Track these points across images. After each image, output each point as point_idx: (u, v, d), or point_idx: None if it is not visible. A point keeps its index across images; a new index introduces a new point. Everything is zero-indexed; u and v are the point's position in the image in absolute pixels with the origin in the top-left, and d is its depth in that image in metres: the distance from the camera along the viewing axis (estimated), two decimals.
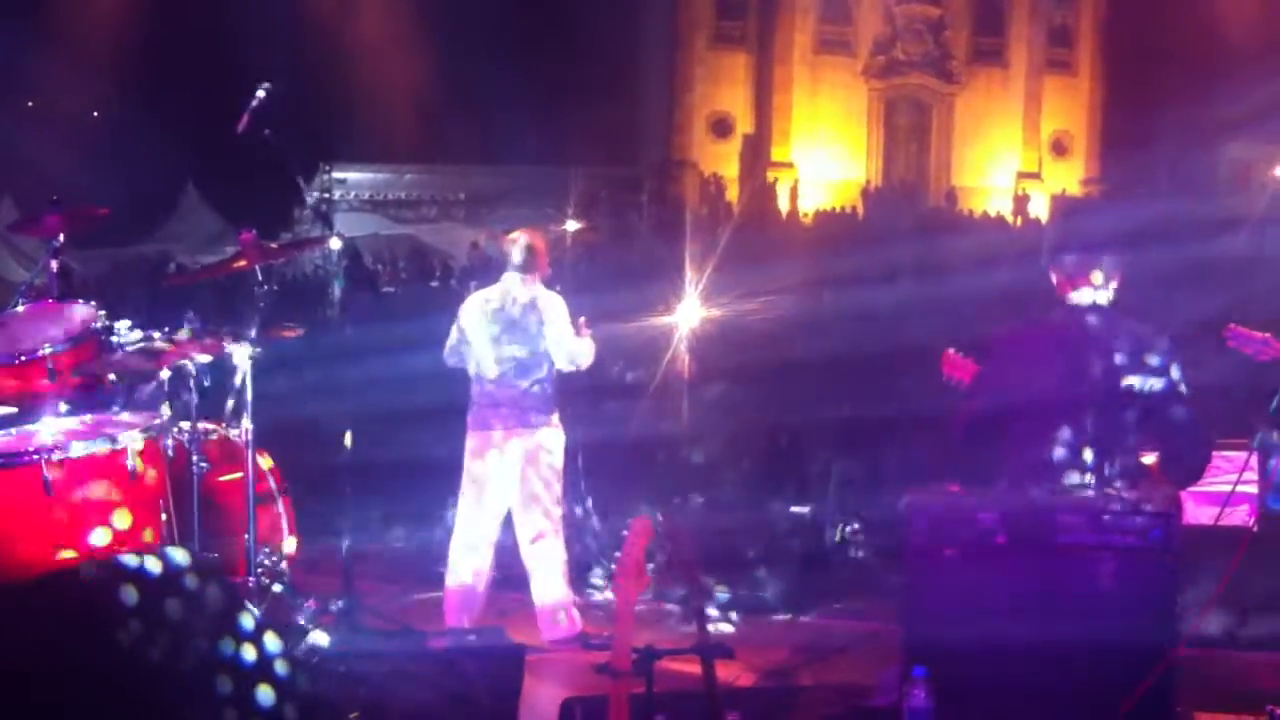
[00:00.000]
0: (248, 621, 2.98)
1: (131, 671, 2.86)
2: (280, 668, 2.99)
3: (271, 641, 3.00)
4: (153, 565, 3.28)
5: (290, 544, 5.81)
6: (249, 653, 2.97)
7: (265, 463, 5.75)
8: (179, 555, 3.68)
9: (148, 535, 4.77)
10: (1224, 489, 6.55)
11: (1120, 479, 4.87)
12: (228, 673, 2.91)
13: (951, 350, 5.51)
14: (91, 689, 2.81)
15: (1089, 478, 4.88)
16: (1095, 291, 5.11)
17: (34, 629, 2.88)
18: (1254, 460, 6.78)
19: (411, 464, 8.20)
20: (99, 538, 4.64)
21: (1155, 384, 4.90)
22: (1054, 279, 5.21)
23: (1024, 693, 4.46)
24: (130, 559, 3.49)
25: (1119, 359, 4.95)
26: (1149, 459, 4.98)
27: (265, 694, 2.96)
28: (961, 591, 4.58)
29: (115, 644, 2.85)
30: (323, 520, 6.10)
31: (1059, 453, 4.93)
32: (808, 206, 34.45)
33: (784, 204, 34.66)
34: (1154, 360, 4.92)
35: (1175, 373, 4.93)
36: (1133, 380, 4.91)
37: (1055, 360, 5.02)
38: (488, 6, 28.45)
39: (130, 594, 2.96)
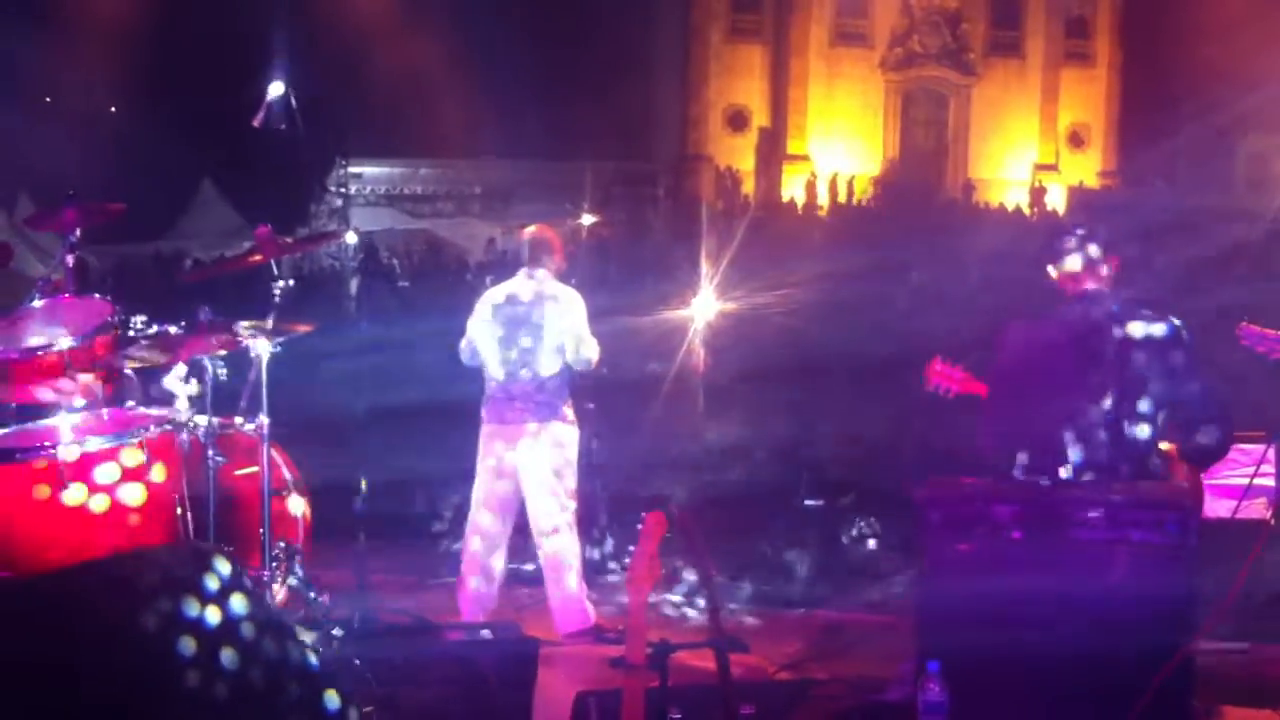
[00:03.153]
0: (213, 583, 2.95)
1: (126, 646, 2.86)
2: (246, 630, 2.97)
3: (238, 603, 2.97)
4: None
5: (304, 538, 5.82)
6: (213, 614, 2.94)
7: (280, 457, 5.75)
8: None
9: (162, 528, 4.79)
10: (1242, 482, 6.52)
11: (1136, 471, 4.84)
12: (191, 633, 2.89)
13: (938, 360, 5.50)
14: (101, 676, 2.81)
15: (1102, 471, 4.85)
16: (1096, 280, 5.07)
17: (49, 623, 2.88)
18: (1272, 453, 6.74)
19: (427, 457, 8.21)
20: (113, 533, 4.66)
21: (1166, 384, 4.86)
22: (1052, 274, 5.18)
23: (1039, 687, 4.44)
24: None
25: (1133, 358, 4.92)
26: (1166, 445, 4.96)
27: (229, 656, 2.93)
28: (976, 585, 4.56)
29: (139, 637, 2.85)
30: (337, 514, 6.11)
31: (1071, 446, 4.91)
32: (823, 199, 34.40)
33: (800, 197, 34.60)
34: (1163, 362, 4.88)
35: (1190, 373, 4.88)
36: (1145, 372, 4.88)
37: (1065, 352, 4.99)
38: (503, 2, 28.47)
39: (165, 603, 2.94)
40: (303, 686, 3.02)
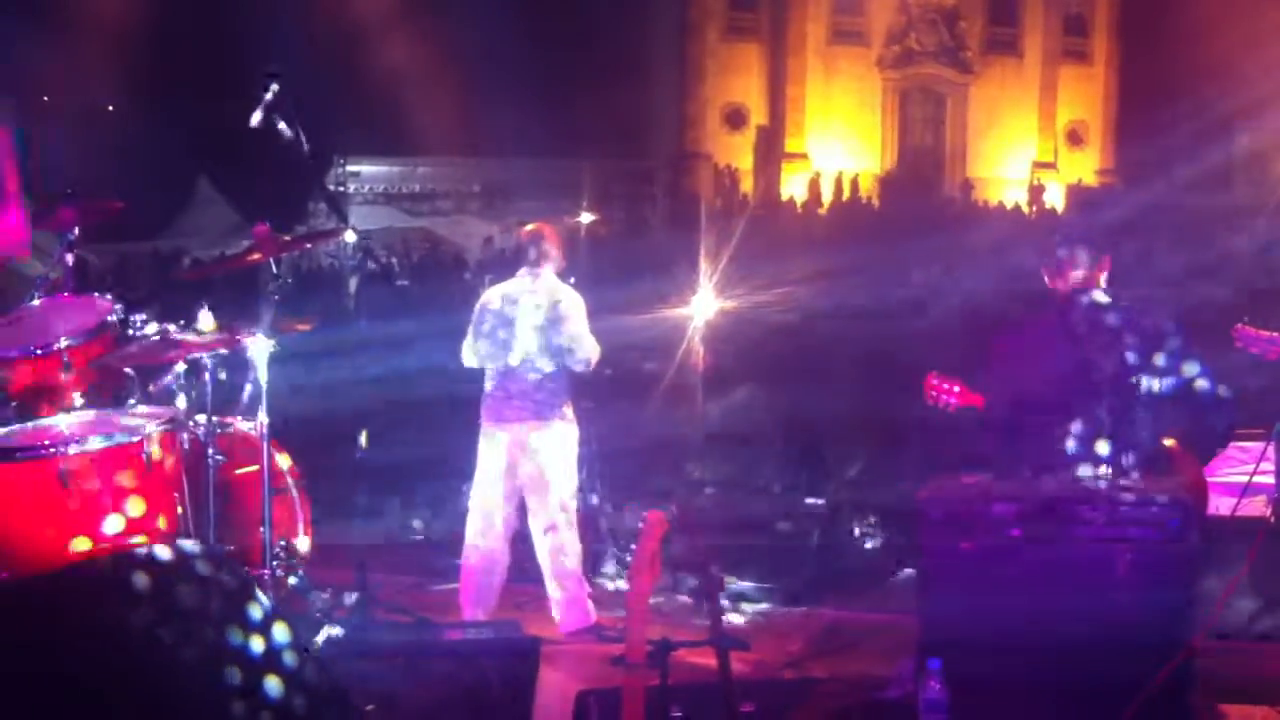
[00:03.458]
0: (256, 612, 2.97)
1: (143, 661, 2.86)
2: (289, 659, 2.98)
3: (280, 632, 2.98)
4: (163, 552, 3.27)
5: (305, 537, 5.82)
6: (257, 643, 2.95)
7: (280, 456, 5.75)
8: (190, 545, 3.69)
9: (162, 527, 4.78)
10: (1241, 479, 6.53)
11: (1138, 469, 4.84)
12: (236, 663, 2.90)
13: (933, 375, 5.50)
14: (104, 679, 2.81)
15: (1104, 469, 4.86)
16: (1088, 283, 5.09)
17: (49, 621, 2.88)
18: (1271, 450, 6.75)
19: (425, 455, 8.21)
20: (114, 531, 4.65)
21: (1165, 382, 4.86)
22: (1046, 279, 5.19)
23: (1040, 685, 4.44)
24: (141, 549, 3.50)
25: (1129, 356, 4.93)
26: (1169, 442, 4.96)
27: (273, 685, 2.95)
28: (977, 584, 4.56)
29: (128, 633, 2.85)
30: (338, 513, 6.11)
31: (1072, 445, 4.91)
32: (828, 197, 34.41)
33: (804, 195, 34.60)
34: (1161, 359, 4.89)
35: (1189, 368, 4.89)
36: (1141, 378, 4.89)
37: (1062, 353, 4.99)
38: (501, 0, 28.45)
39: (141, 580, 2.95)
40: (341, 714, 3.03)
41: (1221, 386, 4.88)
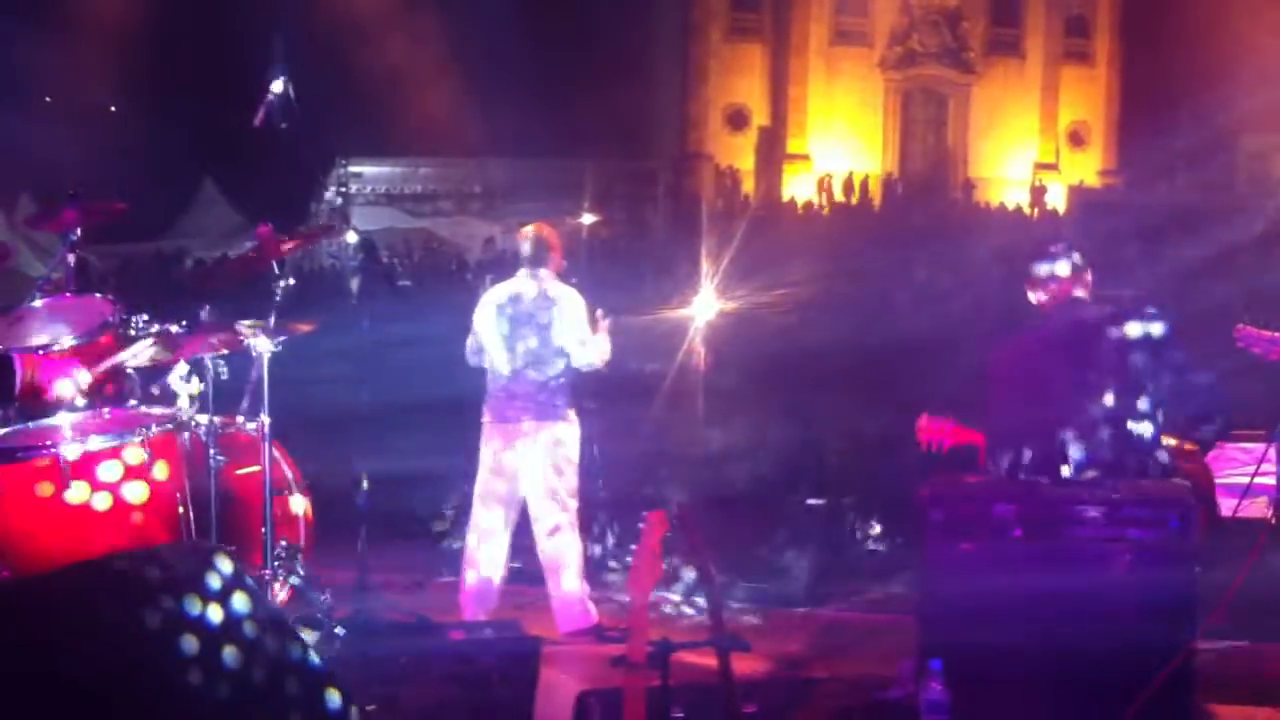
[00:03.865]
0: (214, 581, 2.95)
1: (148, 661, 2.86)
2: (248, 629, 2.96)
3: (240, 602, 2.97)
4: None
5: (306, 537, 5.82)
6: (215, 614, 2.94)
7: (282, 456, 5.76)
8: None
9: (163, 527, 4.79)
10: (1242, 480, 6.52)
11: (1139, 468, 4.84)
12: (193, 632, 2.88)
13: (924, 417, 5.50)
14: (105, 680, 2.81)
15: (1106, 469, 4.85)
16: (1081, 288, 5.10)
17: (48, 620, 2.88)
18: (1273, 451, 6.75)
19: (428, 456, 8.22)
20: (115, 531, 4.66)
21: (1147, 426, 4.86)
22: (1032, 296, 5.19)
23: (1040, 685, 4.45)
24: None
25: (1135, 354, 4.92)
26: (1171, 441, 4.97)
27: (231, 655, 2.93)
28: (978, 584, 4.56)
29: (142, 635, 2.85)
30: (339, 512, 6.11)
31: (1073, 445, 4.91)
32: (823, 199, 34.40)
33: (800, 196, 34.59)
34: (1144, 403, 4.88)
35: (1180, 354, 4.89)
36: (1144, 369, 4.89)
37: (1058, 356, 5.00)
38: (503, 1, 28.45)
39: (154, 577, 2.94)
40: (304, 685, 3.02)
41: (1217, 394, 4.88)
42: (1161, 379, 4.85)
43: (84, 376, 4.68)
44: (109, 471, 4.68)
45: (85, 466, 4.63)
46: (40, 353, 5.05)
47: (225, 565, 3.00)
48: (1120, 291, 5.17)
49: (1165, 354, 4.86)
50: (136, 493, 4.73)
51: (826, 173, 36.18)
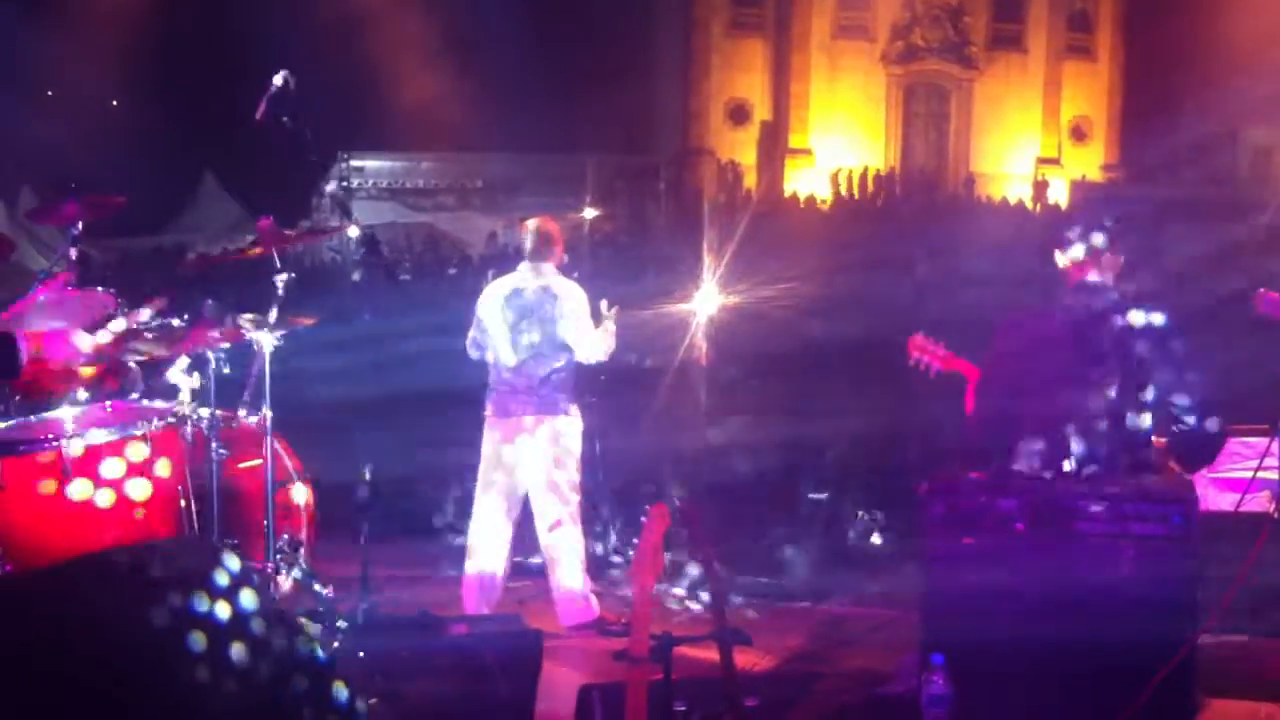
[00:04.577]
0: (222, 578, 2.96)
1: (159, 655, 2.86)
2: (255, 625, 2.97)
3: (247, 598, 2.97)
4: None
5: (308, 531, 5.82)
6: (223, 610, 2.94)
7: (284, 450, 5.75)
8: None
9: (166, 522, 4.79)
10: (1245, 475, 6.51)
11: (1135, 462, 4.84)
12: (200, 629, 2.89)
13: (919, 335, 5.48)
14: (110, 674, 2.81)
15: (1102, 463, 4.85)
16: (1099, 271, 5.06)
17: (52, 615, 2.88)
18: (1275, 446, 6.73)
19: (430, 451, 8.22)
20: (118, 528, 4.66)
21: (1150, 418, 4.85)
22: (1060, 264, 5.15)
23: (1042, 680, 4.45)
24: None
25: (1137, 344, 4.91)
26: (1159, 440, 4.96)
27: (239, 651, 2.94)
28: (980, 579, 4.56)
29: (149, 632, 2.85)
30: (341, 506, 6.11)
31: (1074, 440, 4.90)
32: (826, 193, 34.36)
33: (802, 190, 34.56)
34: (1150, 394, 4.86)
35: (1178, 401, 4.86)
36: (1146, 361, 4.87)
37: (1065, 344, 4.98)
38: None
39: (159, 574, 2.95)
40: (311, 680, 3.02)
41: (1211, 420, 4.85)
42: (1164, 371, 4.84)
43: (85, 339, 4.68)
44: (111, 466, 4.68)
45: (88, 463, 4.63)
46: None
47: (233, 562, 3.01)
48: (1125, 286, 5.12)
49: (1167, 344, 4.84)
50: (139, 489, 4.73)
51: (839, 167, 36.12)
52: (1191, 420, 4.84)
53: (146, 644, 2.83)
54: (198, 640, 2.87)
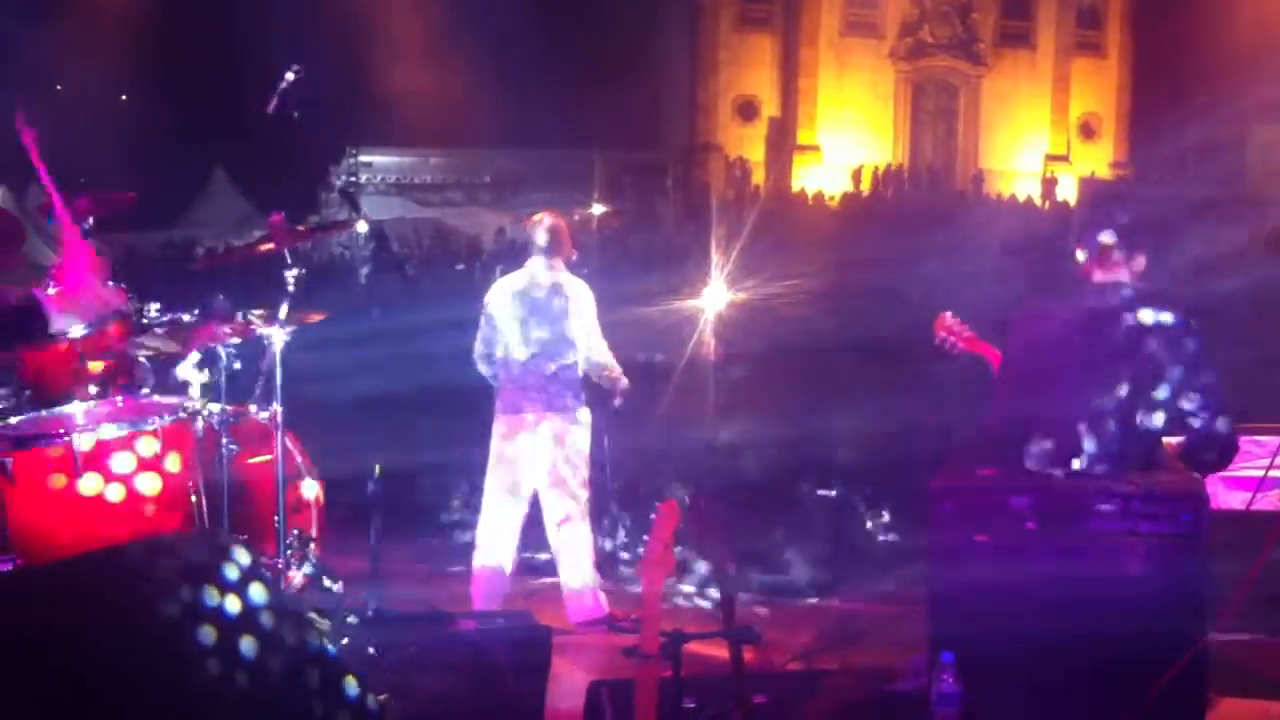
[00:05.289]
0: (232, 572, 2.96)
1: (163, 648, 2.86)
2: (265, 619, 2.97)
3: (257, 592, 2.97)
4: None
5: (318, 526, 5.83)
6: (233, 604, 2.94)
7: (294, 445, 5.76)
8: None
9: (177, 517, 4.80)
10: (1256, 473, 6.48)
11: (1145, 460, 4.82)
12: (211, 623, 2.89)
13: (948, 314, 5.47)
14: (121, 668, 2.81)
15: (1113, 461, 4.83)
16: (1116, 268, 5.03)
17: (62, 608, 2.89)
18: None
19: (440, 447, 8.22)
20: (129, 522, 4.67)
21: (1161, 417, 4.83)
22: (1080, 258, 5.13)
23: (1052, 678, 4.43)
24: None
25: (1148, 342, 4.88)
26: (1170, 440, 4.94)
27: (249, 645, 2.94)
28: (990, 576, 4.55)
29: (159, 626, 2.85)
30: (351, 502, 6.11)
31: (1086, 437, 4.88)
32: (834, 190, 34.34)
33: (810, 187, 34.54)
34: (1163, 392, 4.84)
35: (1186, 402, 4.84)
36: (1158, 359, 4.85)
37: (1077, 341, 4.95)
38: None
39: (167, 567, 2.95)
40: (322, 674, 3.02)
41: (1220, 419, 4.82)
42: (1174, 370, 4.82)
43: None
44: (122, 461, 4.69)
45: (98, 458, 4.64)
46: (52, 342, 5.07)
47: (243, 556, 3.01)
48: (1141, 284, 5.09)
49: (1179, 343, 4.82)
50: (149, 484, 4.74)
51: (859, 165, 36.11)
52: (1201, 421, 4.81)
53: (157, 638, 2.83)
54: (208, 634, 2.87)
